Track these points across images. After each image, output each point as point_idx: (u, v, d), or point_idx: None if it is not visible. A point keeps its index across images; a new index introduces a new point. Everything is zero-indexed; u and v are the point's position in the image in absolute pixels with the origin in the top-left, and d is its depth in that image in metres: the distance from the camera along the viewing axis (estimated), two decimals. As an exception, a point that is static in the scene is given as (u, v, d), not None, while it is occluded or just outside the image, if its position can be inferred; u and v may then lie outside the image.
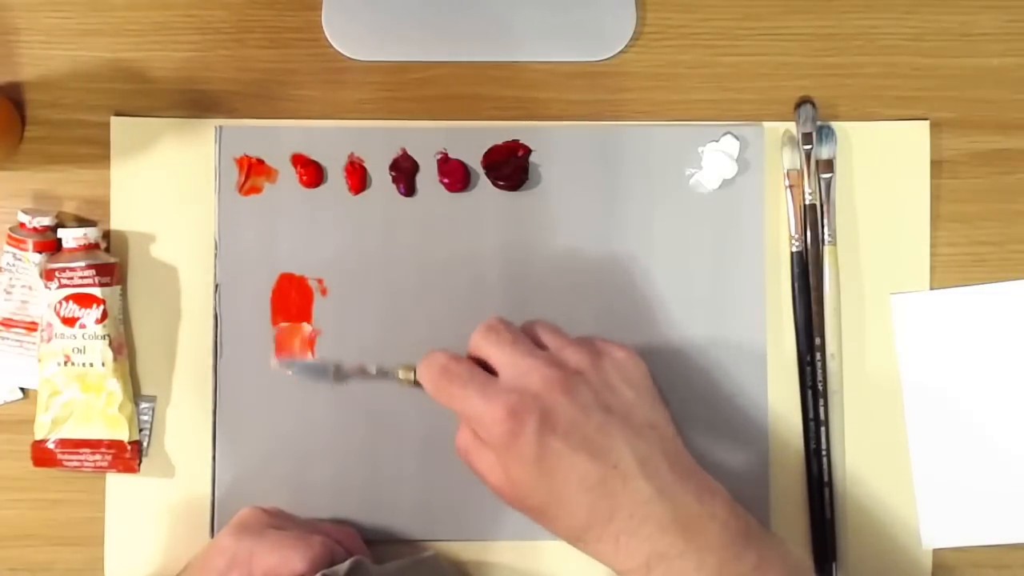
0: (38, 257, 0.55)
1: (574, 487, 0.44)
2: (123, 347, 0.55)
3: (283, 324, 0.56)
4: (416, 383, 0.49)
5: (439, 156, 0.56)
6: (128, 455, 0.54)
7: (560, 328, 0.49)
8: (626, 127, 0.57)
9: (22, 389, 0.56)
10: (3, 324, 0.55)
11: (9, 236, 0.55)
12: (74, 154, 0.57)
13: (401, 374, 0.50)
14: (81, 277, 0.54)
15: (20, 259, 0.55)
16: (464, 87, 0.58)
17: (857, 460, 0.56)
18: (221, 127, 0.56)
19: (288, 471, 0.55)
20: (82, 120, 0.57)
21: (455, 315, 0.56)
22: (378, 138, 0.57)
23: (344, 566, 0.48)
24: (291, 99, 0.57)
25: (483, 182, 0.57)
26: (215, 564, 0.49)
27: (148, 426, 0.56)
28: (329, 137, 0.57)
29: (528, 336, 0.48)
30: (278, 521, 0.52)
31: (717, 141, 0.57)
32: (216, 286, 0.56)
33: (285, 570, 0.48)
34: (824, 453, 0.56)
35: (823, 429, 0.56)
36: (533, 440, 0.43)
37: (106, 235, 0.56)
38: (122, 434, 0.54)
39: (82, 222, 0.56)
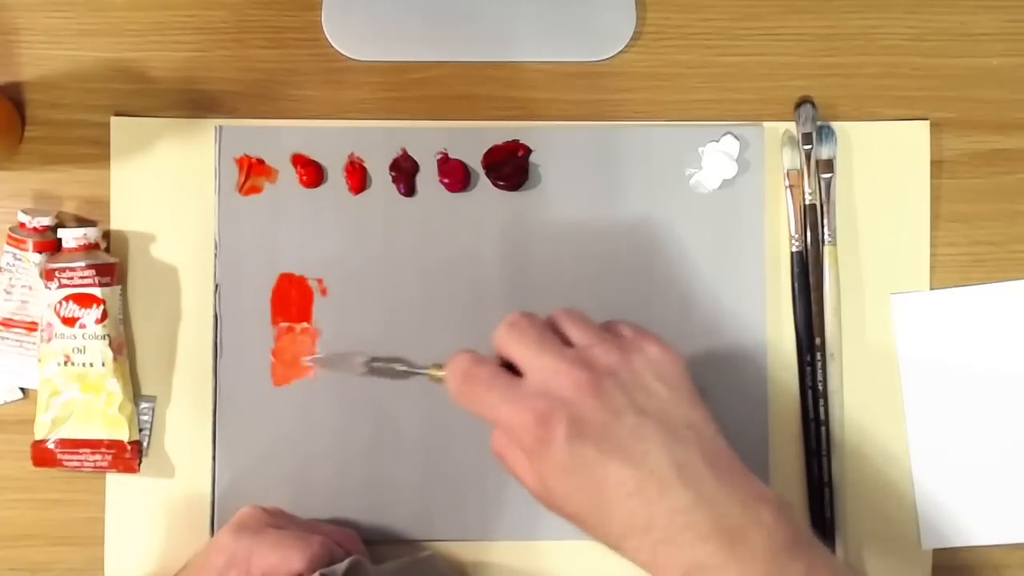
0: (38, 257, 0.55)
1: (610, 495, 0.41)
2: (123, 347, 0.55)
3: (283, 324, 0.56)
4: (443, 380, 0.47)
5: (439, 156, 0.56)
6: (128, 455, 0.54)
7: (588, 317, 0.47)
8: (626, 127, 0.57)
9: (22, 389, 0.56)
10: (3, 324, 0.55)
11: (9, 236, 0.55)
12: (74, 154, 0.57)
13: (432, 373, 0.48)
14: (81, 277, 0.54)
15: (20, 259, 0.55)
16: (464, 87, 0.58)
17: (857, 460, 0.56)
18: (221, 127, 0.56)
19: (288, 471, 0.55)
20: (82, 120, 0.57)
21: (455, 315, 0.56)
22: (378, 138, 0.57)
23: (342, 565, 0.48)
24: (291, 99, 0.57)
25: (483, 182, 0.56)
26: (214, 562, 0.49)
27: (148, 426, 0.56)
28: (329, 137, 0.57)
29: (554, 330, 0.46)
30: (278, 520, 0.51)
31: (717, 141, 0.57)
32: (216, 286, 0.56)
33: (284, 569, 0.48)
34: (824, 453, 0.56)
35: (823, 429, 0.56)
36: (564, 448, 0.41)
37: (106, 235, 0.56)
38: (122, 434, 0.54)
39: (82, 222, 0.56)
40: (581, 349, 0.45)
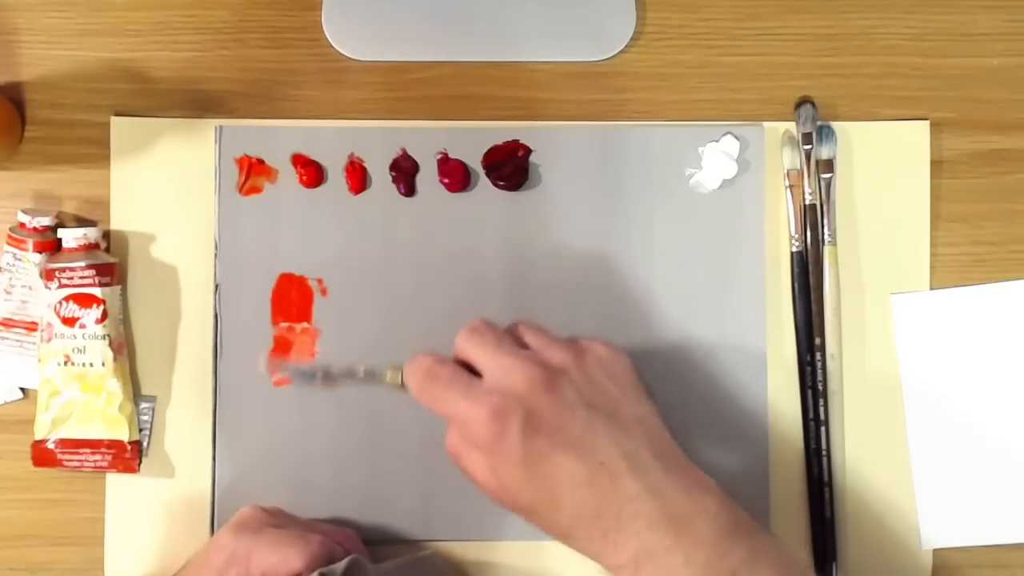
0: (38, 257, 0.55)
1: (561, 486, 0.43)
2: (123, 347, 0.55)
3: (283, 324, 0.56)
4: (403, 386, 0.48)
5: (439, 156, 0.56)
6: (128, 455, 0.54)
7: (544, 327, 0.49)
8: (626, 127, 0.57)
9: (22, 389, 0.56)
10: (3, 324, 0.55)
11: (9, 236, 0.55)
12: (74, 154, 0.57)
13: (389, 376, 0.49)
14: (81, 277, 0.54)
15: (20, 259, 0.55)
16: (464, 87, 0.58)
17: (857, 460, 0.56)
18: (221, 127, 0.56)
19: (288, 471, 0.55)
20: (82, 120, 0.57)
21: (455, 315, 0.56)
22: (378, 138, 0.57)
23: (341, 564, 0.48)
24: (291, 99, 0.57)
25: (483, 182, 0.57)
26: (214, 562, 0.49)
27: (148, 426, 0.56)
28: (329, 137, 0.57)
29: (512, 337, 0.48)
30: (277, 520, 0.52)
31: (717, 141, 0.57)
32: (216, 286, 0.56)
33: (283, 568, 0.48)
34: (824, 453, 0.56)
35: (823, 429, 0.56)
36: (518, 440, 0.43)
37: (106, 235, 0.56)
38: (122, 434, 0.54)
39: (82, 222, 0.56)
40: (535, 350, 0.47)
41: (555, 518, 0.44)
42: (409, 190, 0.56)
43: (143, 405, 0.56)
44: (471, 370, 0.47)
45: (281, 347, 0.56)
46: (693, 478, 0.45)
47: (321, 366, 0.50)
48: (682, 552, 0.42)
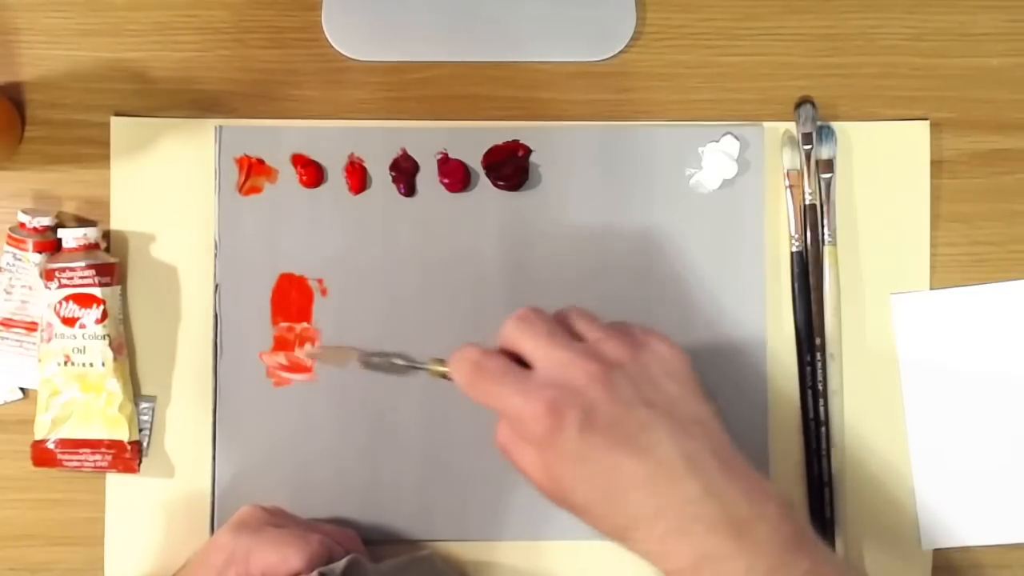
0: (38, 257, 0.55)
1: (618, 485, 0.42)
2: (123, 347, 0.55)
3: (283, 324, 0.56)
4: (444, 375, 0.47)
5: (439, 156, 0.56)
6: (128, 455, 0.54)
7: (596, 315, 0.47)
8: (626, 127, 0.57)
9: (22, 389, 0.56)
10: (3, 324, 0.55)
11: (9, 236, 0.55)
12: (74, 154, 0.57)
13: (432, 367, 0.48)
14: (81, 277, 0.54)
15: (20, 259, 0.55)
16: (464, 87, 0.58)
17: (857, 460, 0.56)
18: (221, 127, 0.56)
19: (288, 471, 0.55)
20: (82, 120, 0.57)
21: (455, 315, 0.56)
22: (378, 138, 0.57)
23: (341, 564, 0.48)
24: (291, 99, 0.57)
25: (483, 182, 0.57)
26: (213, 561, 0.49)
27: (148, 426, 0.56)
28: (329, 137, 0.57)
29: (562, 325, 0.46)
30: (277, 519, 0.51)
31: (717, 141, 0.57)
32: (216, 286, 0.56)
33: (283, 568, 0.48)
34: (824, 453, 0.56)
35: (823, 429, 0.56)
36: (575, 437, 0.42)
37: (106, 235, 0.56)
38: (122, 434, 0.54)
39: (82, 222, 0.56)
40: (591, 343, 0.45)
41: (611, 518, 0.43)
42: (409, 190, 0.56)
43: (143, 405, 0.56)
44: (519, 361, 0.45)
45: (282, 346, 0.56)
46: (755, 483, 0.43)
47: (359, 351, 0.50)
48: (744, 559, 0.40)
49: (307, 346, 0.55)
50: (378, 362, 0.52)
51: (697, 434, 0.43)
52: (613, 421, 0.42)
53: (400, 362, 0.50)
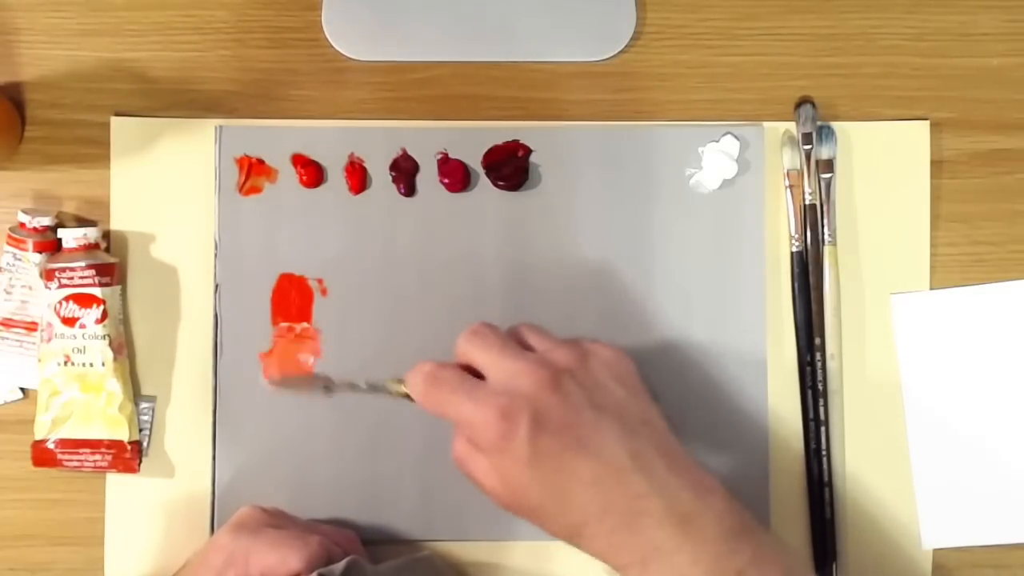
0: (38, 257, 0.55)
1: (569, 485, 0.44)
2: (123, 347, 0.55)
3: (283, 324, 0.56)
4: (407, 395, 0.48)
5: (439, 156, 0.56)
6: (128, 455, 0.54)
7: (546, 329, 0.49)
8: (626, 127, 0.57)
9: (22, 389, 0.56)
10: (3, 324, 0.55)
11: (9, 236, 0.55)
12: (74, 154, 0.57)
13: (391, 387, 0.49)
14: (81, 277, 0.54)
15: (20, 259, 0.55)
16: (464, 87, 0.58)
17: (857, 460, 0.56)
18: (221, 127, 0.56)
19: (288, 471, 0.55)
20: (82, 120, 0.57)
21: (455, 315, 0.56)
22: (378, 138, 0.57)
23: (340, 565, 0.48)
24: (291, 99, 0.57)
25: (483, 182, 0.57)
26: (212, 562, 0.49)
27: (148, 426, 0.56)
28: (329, 137, 0.57)
29: (514, 339, 0.48)
30: (276, 520, 0.52)
31: (717, 141, 0.57)
32: (216, 286, 0.56)
33: (282, 569, 0.48)
34: (824, 453, 0.56)
35: (823, 429, 0.56)
36: (526, 440, 0.43)
37: (106, 235, 0.56)
38: (122, 434, 0.54)
39: (82, 222, 0.56)
40: (541, 352, 0.47)
41: (562, 518, 0.44)
42: (409, 190, 0.56)
43: (143, 405, 0.56)
44: (475, 374, 0.47)
45: (278, 352, 0.56)
46: (699, 478, 0.45)
47: (322, 379, 0.51)
48: (690, 551, 0.42)
49: (266, 381, 0.55)
50: (339, 387, 0.52)
51: (644, 434, 0.45)
52: (563, 424, 0.44)
53: (362, 385, 0.51)
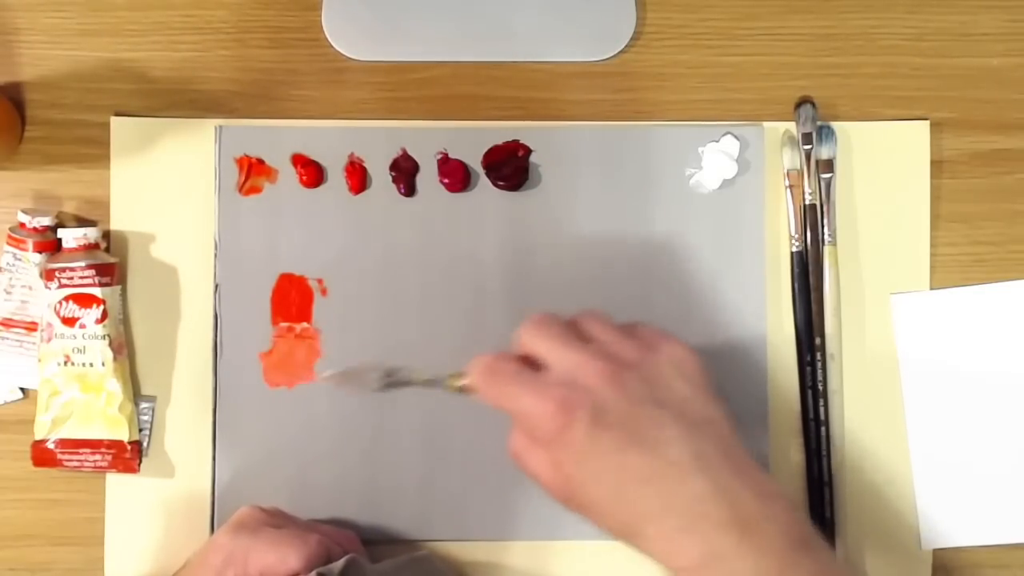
0: (38, 257, 0.55)
1: (628, 482, 0.42)
2: (123, 347, 0.55)
3: (283, 324, 0.56)
4: (462, 389, 0.47)
5: (439, 156, 0.56)
6: (128, 455, 0.54)
7: (609, 318, 0.47)
8: (626, 127, 0.57)
9: (22, 389, 0.56)
10: (3, 324, 0.55)
11: (9, 236, 0.55)
12: (74, 154, 0.57)
13: (449, 382, 0.47)
14: (81, 277, 0.54)
15: (20, 259, 0.55)
16: (464, 87, 0.58)
17: (857, 460, 0.56)
18: (221, 127, 0.56)
19: (288, 471, 0.55)
20: (82, 120, 0.57)
21: (455, 315, 0.56)
22: (378, 138, 0.57)
23: (339, 564, 0.48)
24: (291, 99, 0.57)
25: (483, 182, 0.57)
26: (212, 561, 0.49)
27: (148, 426, 0.56)
28: (329, 137, 0.57)
29: (576, 329, 0.46)
30: (276, 520, 0.51)
31: (717, 141, 0.57)
32: (216, 286, 0.56)
33: (281, 568, 0.48)
34: (824, 453, 0.56)
35: (823, 429, 0.56)
36: (585, 434, 0.42)
37: (106, 235, 0.56)
38: (122, 434, 0.54)
39: (82, 222, 0.56)
40: (603, 344, 0.45)
41: (619, 516, 0.43)
42: (409, 190, 0.56)
43: (143, 405, 0.56)
44: (536, 366, 0.45)
45: (278, 352, 0.56)
46: (763, 482, 0.43)
47: (378, 371, 0.49)
48: (752, 558, 0.40)
49: (325, 372, 0.52)
50: (397, 381, 0.50)
51: (708, 433, 0.43)
52: (623, 419, 0.42)
53: (418, 380, 0.49)
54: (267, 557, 0.48)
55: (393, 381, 0.49)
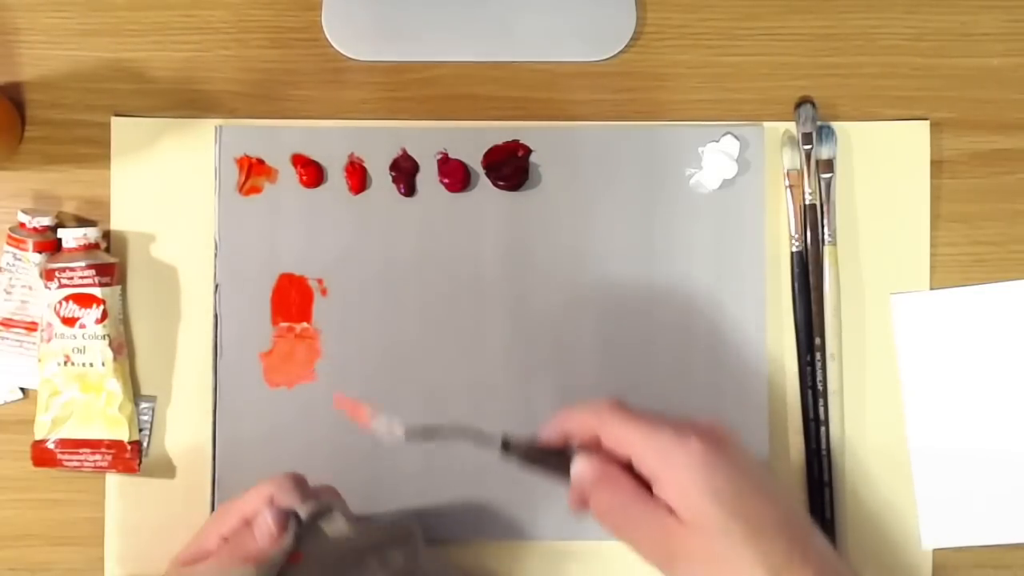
0: (38, 257, 0.55)
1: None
2: (123, 347, 0.55)
3: (283, 324, 0.56)
4: (505, 449, 0.45)
5: (439, 156, 0.56)
6: (128, 455, 0.54)
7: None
8: (626, 127, 0.57)
9: (22, 389, 0.56)
10: (3, 324, 0.55)
11: (9, 236, 0.55)
12: (74, 154, 0.57)
13: (501, 452, 0.46)
14: (81, 277, 0.54)
15: (20, 259, 0.55)
16: (464, 87, 0.58)
17: (857, 460, 0.56)
18: (221, 127, 0.56)
19: (288, 471, 0.55)
20: (82, 120, 0.57)
21: (455, 315, 0.56)
22: (378, 138, 0.57)
23: (312, 503, 0.47)
24: (291, 99, 0.57)
25: (483, 182, 0.56)
26: (204, 528, 0.49)
27: (148, 426, 0.56)
28: (329, 137, 0.57)
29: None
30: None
31: (717, 141, 0.57)
32: (216, 286, 0.56)
33: (258, 499, 0.47)
34: (824, 453, 0.56)
35: (823, 429, 0.56)
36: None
37: (106, 235, 0.56)
38: (122, 434, 0.54)
39: (82, 222, 0.56)
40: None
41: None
42: (409, 190, 0.56)
43: (143, 405, 0.56)
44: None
45: (278, 352, 0.56)
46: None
47: (423, 428, 0.47)
48: None
49: (396, 426, 0.47)
50: (446, 435, 0.47)
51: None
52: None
53: (469, 437, 0.47)
54: (248, 503, 0.47)
55: (434, 438, 0.47)
